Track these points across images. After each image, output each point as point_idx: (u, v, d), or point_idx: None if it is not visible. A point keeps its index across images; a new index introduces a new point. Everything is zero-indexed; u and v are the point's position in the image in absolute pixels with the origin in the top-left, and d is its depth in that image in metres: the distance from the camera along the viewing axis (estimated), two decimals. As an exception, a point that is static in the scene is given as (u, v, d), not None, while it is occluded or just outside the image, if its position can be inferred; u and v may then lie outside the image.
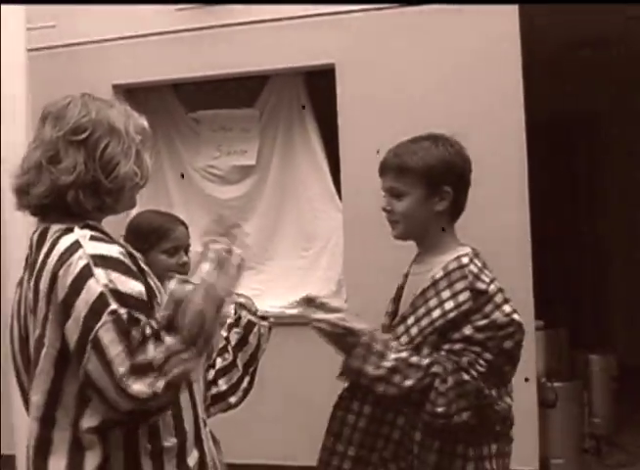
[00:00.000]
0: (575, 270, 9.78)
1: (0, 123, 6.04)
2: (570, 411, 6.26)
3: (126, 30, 6.61)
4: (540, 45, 6.46)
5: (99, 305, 1.96)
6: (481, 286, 2.43)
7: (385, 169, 2.63)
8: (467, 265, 2.48)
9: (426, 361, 2.38)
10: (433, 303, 2.48)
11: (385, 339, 2.47)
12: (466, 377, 2.34)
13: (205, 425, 2.30)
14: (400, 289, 2.79)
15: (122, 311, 1.96)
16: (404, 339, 2.52)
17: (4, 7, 5.95)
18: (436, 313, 2.45)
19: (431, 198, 2.55)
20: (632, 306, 9.43)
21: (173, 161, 6.96)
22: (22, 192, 2.17)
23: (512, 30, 5.90)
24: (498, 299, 2.43)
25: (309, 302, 2.72)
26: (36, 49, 6.26)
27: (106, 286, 1.97)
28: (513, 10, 5.87)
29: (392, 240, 6.25)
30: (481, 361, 2.36)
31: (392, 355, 2.40)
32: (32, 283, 2.10)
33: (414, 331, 2.50)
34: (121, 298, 1.98)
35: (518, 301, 6.14)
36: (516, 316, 2.42)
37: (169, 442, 2.11)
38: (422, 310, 2.51)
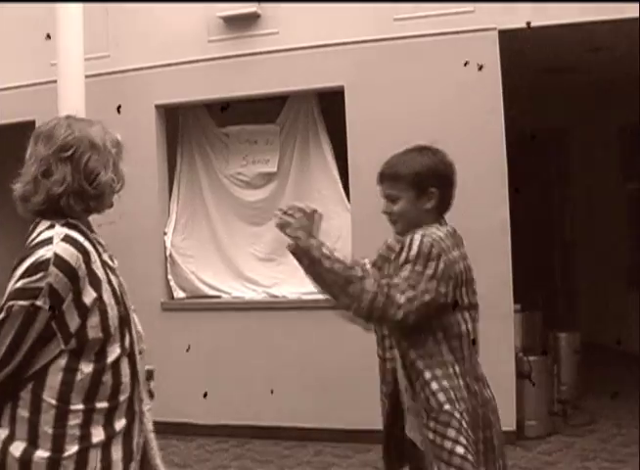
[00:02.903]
0: (548, 263, 9.76)
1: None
2: (541, 381, 6.24)
3: (167, 59, 6.62)
4: (517, 71, 6.44)
5: (28, 294, 2.05)
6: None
7: (381, 178, 2.69)
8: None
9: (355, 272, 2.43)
10: None
11: (329, 251, 2.50)
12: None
13: (142, 400, 2.32)
14: None
15: (38, 306, 2.05)
16: None
17: (65, 39, 5.98)
18: None
19: (420, 198, 2.61)
20: (593, 294, 9.42)
21: (207, 168, 6.96)
22: (23, 200, 2.23)
23: (493, 58, 5.89)
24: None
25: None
26: (93, 75, 6.28)
27: (49, 284, 2.06)
28: (494, 40, 5.85)
29: (393, 236, 6.24)
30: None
31: (327, 253, 2.47)
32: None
33: None
34: (54, 296, 2.06)
35: (499, 288, 6.11)
36: None
37: (101, 404, 2.15)
38: None
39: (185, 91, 6.68)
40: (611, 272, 9.07)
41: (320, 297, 7.18)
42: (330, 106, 6.62)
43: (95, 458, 2.12)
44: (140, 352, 2.31)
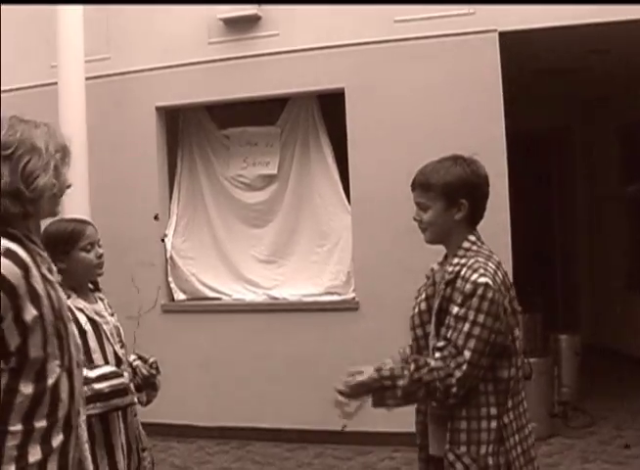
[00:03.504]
0: (549, 265, 9.75)
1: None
2: (542, 383, 6.24)
3: (167, 61, 6.62)
4: (517, 72, 6.45)
5: None
6: None
7: (414, 186, 2.68)
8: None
9: (426, 376, 2.43)
10: None
11: (389, 373, 2.47)
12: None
13: (79, 414, 2.26)
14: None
15: None
16: None
17: (65, 41, 5.99)
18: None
19: (449, 209, 2.60)
20: (594, 296, 9.44)
21: (207, 170, 6.95)
22: None
23: (493, 59, 5.89)
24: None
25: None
26: (93, 77, 6.28)
27: None
28: (494, 41, 5.86)
29: (393, 238, 6.25)
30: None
31: (400, 383, 2.43)
32: None
33: None
34: None
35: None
36: None
37: (40, 423, 2.10)
38: None
39: (185, 93, 6.68)
40: (611, 274, 9.08)
41: (320, 299, 7.19)
42: (330, 108, 6.62)
43: None
44: (78, 365, 2.25)
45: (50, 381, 2.09)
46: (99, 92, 6.41)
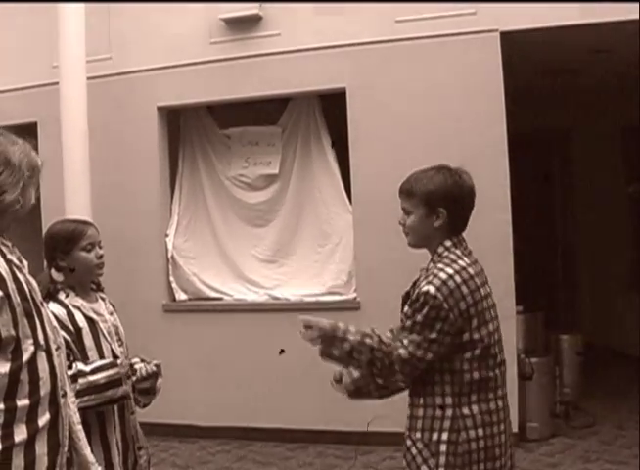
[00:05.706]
0: (550, 264, 9.74)
1: (62, 138, 6.07)
2: (544, 382, 6.23)
3: (169, 61, 6.61)
4: (519, 72, 6.44)
5: None
6: None
7: (400, 192, 2.84)
8: None
9: (374, 344, 2.62)
10: None
11: (344, 327, 2.65)
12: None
13: (65, 395, 2.30)
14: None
15: None
16: None
17: (67, 41, 5.99)
18: None
19: (429, 216, 2.73)
20: (595, 295, 9.40)
21: (208, 170, 6.95)
22: None
23: (495, 60, 5.88)
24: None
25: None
26: (94, 77, 6.28)
27: None
28: (496, 41, 5.85)
29: (394, 238, 6.25)
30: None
31: (351, 338, 2.62)
32: None
33: None
34: None
35: (501, 290, 6.13)
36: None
37: (22, 402, 2.14)
38: None
39: (187, 93, 6.68)
40: (612, 274, 9.06)
41: (321, 298, 7.18)
42: (332, 108, 6.61)
43: (19, 456, 2.10)
44: (58, 347, 2.30)
45: (24, 358, 2.14)
46: (100, 92, 6.41)
